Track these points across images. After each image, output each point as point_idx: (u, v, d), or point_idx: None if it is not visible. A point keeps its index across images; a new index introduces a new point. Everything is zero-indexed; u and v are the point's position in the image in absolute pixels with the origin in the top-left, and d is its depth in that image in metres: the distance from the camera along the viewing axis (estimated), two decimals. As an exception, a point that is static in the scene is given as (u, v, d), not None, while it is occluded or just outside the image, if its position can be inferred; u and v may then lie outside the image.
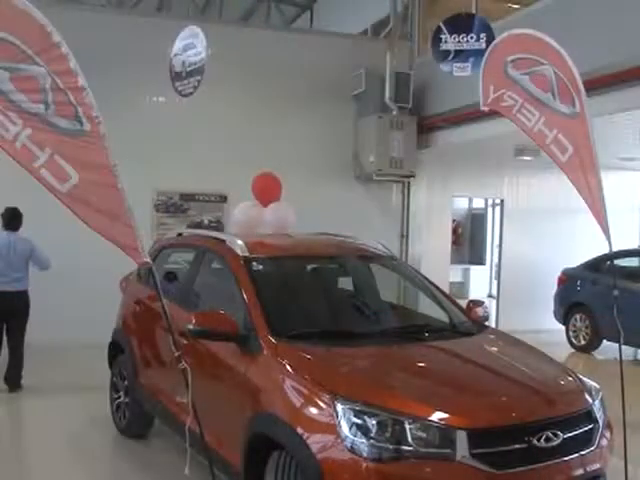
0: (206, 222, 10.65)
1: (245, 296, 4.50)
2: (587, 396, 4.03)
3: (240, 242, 4.97)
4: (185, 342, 4.70)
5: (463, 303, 5.35)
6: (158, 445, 6.00)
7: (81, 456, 5.76)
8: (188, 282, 5.49)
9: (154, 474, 5.37)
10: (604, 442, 3.91)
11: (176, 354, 3.79)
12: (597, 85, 7.31)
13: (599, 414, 3.97)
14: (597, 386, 4.25)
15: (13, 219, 7.55)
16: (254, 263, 4.85)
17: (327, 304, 5.19)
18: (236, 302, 4.54)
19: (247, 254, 4.86)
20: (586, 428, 3.83)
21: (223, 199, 10.74)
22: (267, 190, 6.62)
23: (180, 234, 6.38)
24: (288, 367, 3.93)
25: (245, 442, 4.03)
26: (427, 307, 5.36)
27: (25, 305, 7.56)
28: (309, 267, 5.46)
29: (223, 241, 5.19)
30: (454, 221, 15.47)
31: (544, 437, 3.56)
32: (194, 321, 4.22)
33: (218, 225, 10.60)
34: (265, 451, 3.90)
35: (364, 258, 5.60)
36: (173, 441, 5.61)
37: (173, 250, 6.24)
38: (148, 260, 3.85)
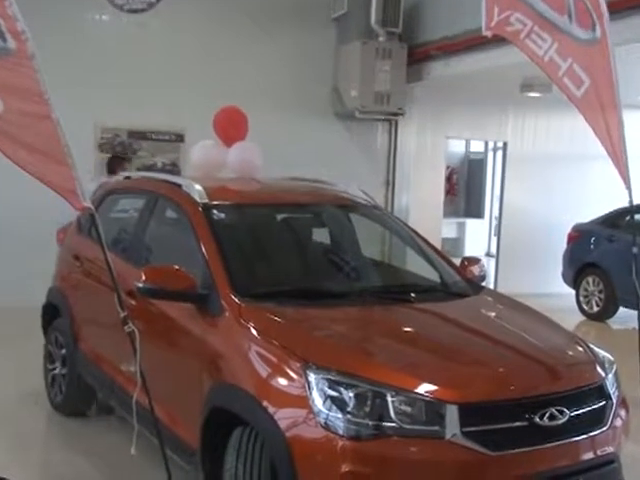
0: (160, 165, 10.58)
1: (204, 249, 4.50)
2: (599, 369, 4.06)
3: (199, 187, 4.95)
4: (133, 303, 4.70)
5: (457, 262, 5.39)
6: (100, 424, 6.01)
7: (7, 440, 5.69)
8: (137, 233, 5.47)
9: (95, 456, 5.38)
10: (618, 422, 3.96)
11: (122, 315, 3.79)
12: (623, 7, 7.23)
13: (612, 390, 4.02)
14: (611, 358, 4.29)
15: None
16: (215, 211, 4.84)
17: (300, 259, 5.22)
18: (194, 256, 4.54)
19: (207, 201, 4.85)
20: (597, 405, 3.88)
21: (179, 138, 10.65)
22: (231, 127, 6.56)
23: (128, 177, 6.33)
24: (253, 331, 3.94)
25: (203, 418, 4.05)
26: (415, 264, 5.38)
27: None
28: (279, 217, 5.46)
29: (179, 186, 5.16)
30: (448, 167, 15.50)
31: (548, 414, 3.59)
32: (144, 277, 4.21)
33: (174, 168, 10.53)
34: (226, 428, 3.92)
35: (343, 207, 5.62)
36: (119, 419, 5.62)
37: (120, 196, 6.18)
38: (89, 205, 3.82)
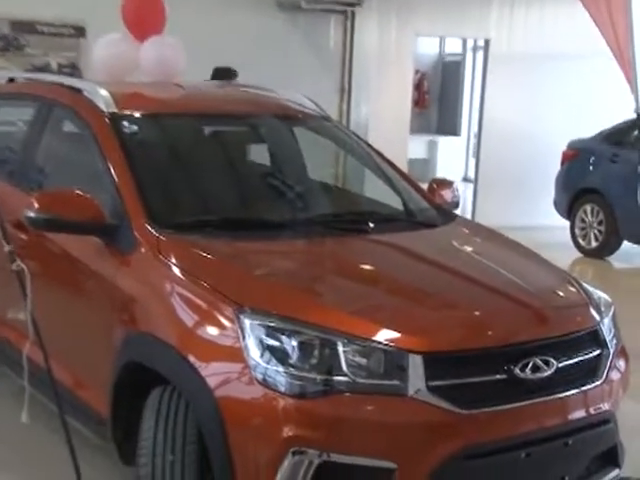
0: (54, 65, 10.42)
1: (113, 170, 4.49)
2: (593, 311, 4.17)
3: (104, 93, 4.92)
4: (23, 237, 4.72)
5: (426, 186, 5.48)
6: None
7: None
8: (26, 151, 5.45)
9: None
10: (615, 375, 4.07)
11: (7, 249, 3.78)
12: None
13: (609, 336, 4.13)
14: (608, 299, 4.42)
15: None
16: (125, 123, 4.83)
17: (233, 182, 5.25)
18: (100, 179, 4.54)
19: (115, 110, 4.83)
20: (590, 355, 3.98)
21: (79, 32, 10.51)
22: (144, 17, 6.50)
23: (12, 80, 6.26)
24: (176, 270, 3.98)
25: (114, 377, 4.09)
26: (374, 189, 5.45)
27: None
28: (207, 130, 5.48)
29: (79, 91, 5.12)
30: (417, 72, 15.52)
31: (531, 365, 3.68)
32: (36, 205, 4.18)
33: (72, 71, 10.39)
34: (142, 389, 3.96)
35: (286, 119, 5.65)
36: (7, 381, 5.63)
37: (1, 103, 6.15)
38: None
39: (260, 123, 5.63)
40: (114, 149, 4.60)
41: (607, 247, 11.20)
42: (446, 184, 5.40)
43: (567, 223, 11.70)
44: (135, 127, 4.90)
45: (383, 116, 12.28)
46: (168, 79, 6.06)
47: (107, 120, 4.77)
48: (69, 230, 4.32)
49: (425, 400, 3.45)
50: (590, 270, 10.75)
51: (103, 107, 4.84)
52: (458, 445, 3.49)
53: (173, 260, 4.02)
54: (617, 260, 11.14)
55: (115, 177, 4.46)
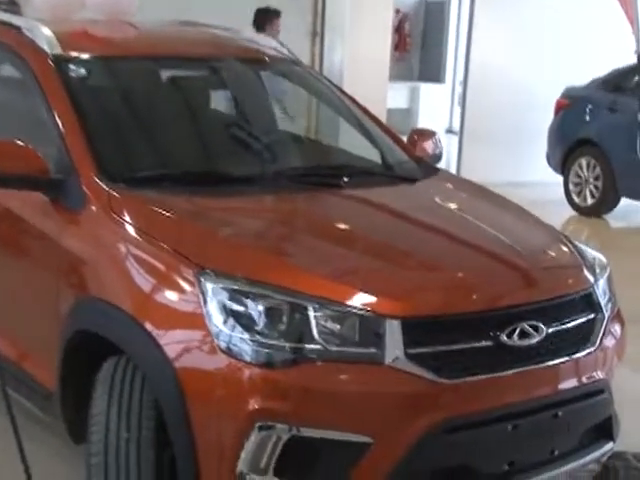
0: (-12, 2, 10.30)
1: (58, 119, 4.46)
2: (587, 273, 4.21)
3: (47, 31, 4.87)
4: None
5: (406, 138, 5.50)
6: None
7: None
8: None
9: None
10: (610, 341, 4.11)
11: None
12: None
13: (604, 300, 4.16)
14: (603, 259, 4.46)
15: None
16: (72, 66, 4.79)
17: (193, 132, 5.22)
18: (43, 129, 4.52)
19: (60, 51, 4.78)
20: (583, 319, 4.01)
21: (20, -35, 10.39)
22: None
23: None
24: (130, 229, 3.97)
25: (61, 347, 4.09)
26: (349, 140, 5.46)
27: None
28: (164, 74, 5.43)
29: (17, 29, 5.05)
30: (398, 12, 15.49)
31: (518, 331, 3.71)
32: (-28, 158, 4.16)
33: (11, 7, 10.26)
34: (94, 360, 3.95)
35: (251, 62, 5.63)
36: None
37: None
38: None
39: (223, 67, 5.58)
40: (59, 95, 4.56)
41: (604, 204, 11.23)
42: (428, 135, 5.43)
43: (561, 178, 11.73)
44: (83, 71, 4.88)
45: (360, 61, 12.25)
46: (119, 18, 6.01)
47: (51, 63, 4.72)
48: (8, 185, 4.28)
49: (404, 369, 3.46)
50: (585, 229, 10.79)
51: (46, 48, 4.78)
52: (439, 417, 3.51)
53: (127, 218, 4.01)
54: (614, 218, 11.18)
55: (61, 126, 4.42)
